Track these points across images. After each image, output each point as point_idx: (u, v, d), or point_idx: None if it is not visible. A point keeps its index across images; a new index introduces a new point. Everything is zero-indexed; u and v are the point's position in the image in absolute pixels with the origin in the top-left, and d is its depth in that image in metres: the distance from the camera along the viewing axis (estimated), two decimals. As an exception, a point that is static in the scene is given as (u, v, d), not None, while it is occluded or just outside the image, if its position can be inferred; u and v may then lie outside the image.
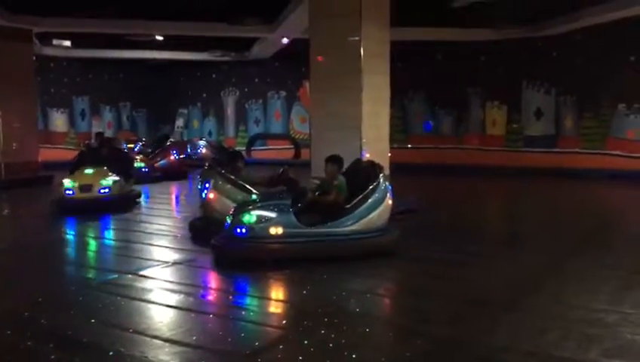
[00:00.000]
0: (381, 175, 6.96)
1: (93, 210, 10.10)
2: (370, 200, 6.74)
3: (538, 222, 9.95)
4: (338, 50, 9.77)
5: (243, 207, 6.76)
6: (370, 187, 6.80)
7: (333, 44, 9.86)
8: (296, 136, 22.05)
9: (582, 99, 16.49)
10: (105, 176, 10.62)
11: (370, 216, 6.72)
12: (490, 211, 11.67)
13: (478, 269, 6.41)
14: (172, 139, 18.19)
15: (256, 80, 22.83)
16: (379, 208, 6.79)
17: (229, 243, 6.54)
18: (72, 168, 11.11)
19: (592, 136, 16.29)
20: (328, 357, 3.88)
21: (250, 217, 6.47)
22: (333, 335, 4.24)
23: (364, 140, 9.63)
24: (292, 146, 21.97)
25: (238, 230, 6.45)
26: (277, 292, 5.85)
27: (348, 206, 6.71)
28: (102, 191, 10.46)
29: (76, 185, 10.34)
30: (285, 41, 17.11)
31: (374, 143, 9.96)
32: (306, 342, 4.17)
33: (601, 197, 13.07)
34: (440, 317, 4.72)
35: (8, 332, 4.43)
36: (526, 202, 12.52)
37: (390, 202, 6.99)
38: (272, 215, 6.46)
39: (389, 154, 10.56)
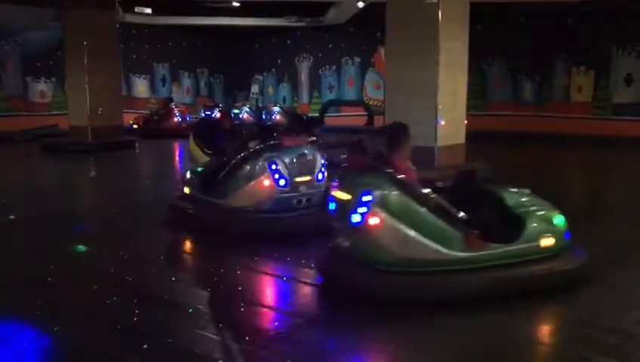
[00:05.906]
0: (267, 153, 6.01)
1: None
2: (238, 174, 6.04)
3: (623, 196, 9.42)
4: (415, 13, 9.53)
5: None
6: (241, 156, 6.13)
7: (409, 7, 9.61)
8: (370, 103, 21.83)
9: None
10: None
11: (237, 191, 6.00)
12: (570, 183, 11.09)
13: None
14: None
15: (330, 46, 22.68)
16: (247, 185, 5.96)
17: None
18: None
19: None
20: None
21: (187, 173, 6.85)
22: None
23: (439, 107, 9.42)
24: (365, 113, 21.80)
25: None
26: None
27: (220, 176, 6.23)
28: None
29: None
30: (361, 5, 16.85)
31: (450, 110, 9.72)
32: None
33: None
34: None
35: (95, 286, 4.70)
36: (612, 174, 11.85)
37: (267, 183, 5.89)
38: (188, 175, 6.73)
39: (466, 122, 10.28)
